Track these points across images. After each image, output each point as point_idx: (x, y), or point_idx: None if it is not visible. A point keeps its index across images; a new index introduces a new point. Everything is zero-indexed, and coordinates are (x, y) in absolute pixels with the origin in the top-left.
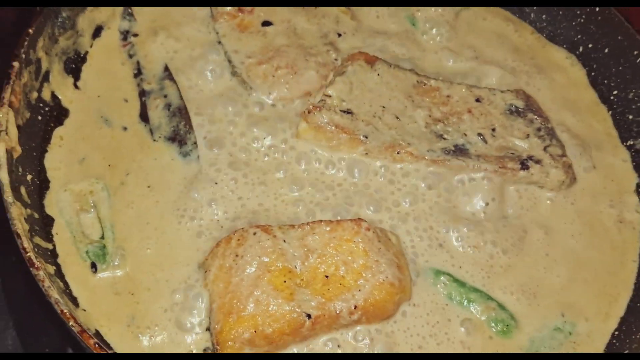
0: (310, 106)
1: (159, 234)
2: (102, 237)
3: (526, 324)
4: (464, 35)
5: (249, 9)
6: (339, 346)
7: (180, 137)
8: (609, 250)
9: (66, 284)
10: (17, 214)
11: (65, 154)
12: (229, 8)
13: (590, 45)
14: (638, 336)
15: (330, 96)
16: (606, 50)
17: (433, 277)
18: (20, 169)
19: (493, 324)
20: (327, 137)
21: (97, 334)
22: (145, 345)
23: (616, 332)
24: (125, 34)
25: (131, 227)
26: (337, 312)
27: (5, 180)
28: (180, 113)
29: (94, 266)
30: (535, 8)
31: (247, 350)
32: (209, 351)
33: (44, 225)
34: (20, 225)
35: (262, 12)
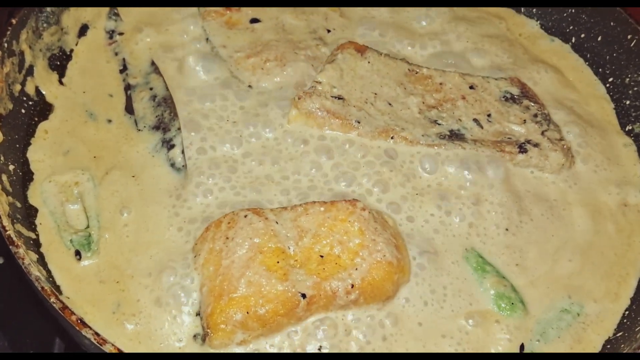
0: (301, 93)
1: (142, 221)
2: (87, 227)
3: (533, 306)
4: (457, 30)
5: (236, 7)
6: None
7: (164, 125)
8: (614, 233)
9: (49, 271)
10: None
11: (49, 147)
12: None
13: (582, 35)
14: None
15: (320, 82)
16: (599, 38)
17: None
18: (2, 158)
19: (500, 301)
20: (318, 123)
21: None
22: (130, 331)
23: (626, 312)
24: (111, 33)
25: (115, 215)
26: (334, 291)
27: None
28: (166, 102)
29: (78, 254)
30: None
31: (239, 333)
32: (199, 337)
33: (26, 215)
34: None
35: (250, 10)
